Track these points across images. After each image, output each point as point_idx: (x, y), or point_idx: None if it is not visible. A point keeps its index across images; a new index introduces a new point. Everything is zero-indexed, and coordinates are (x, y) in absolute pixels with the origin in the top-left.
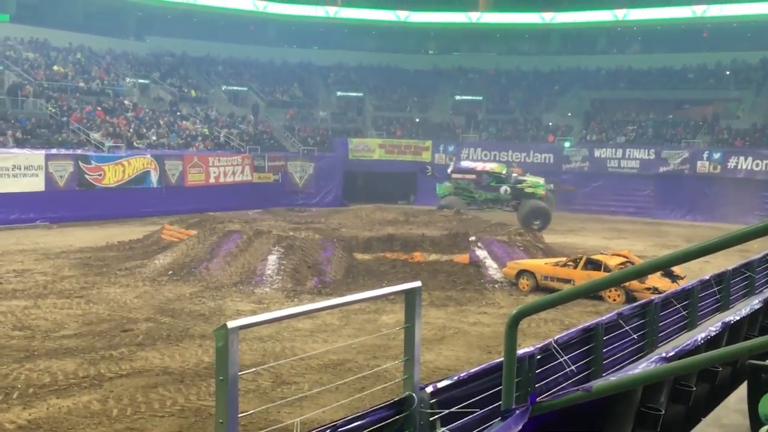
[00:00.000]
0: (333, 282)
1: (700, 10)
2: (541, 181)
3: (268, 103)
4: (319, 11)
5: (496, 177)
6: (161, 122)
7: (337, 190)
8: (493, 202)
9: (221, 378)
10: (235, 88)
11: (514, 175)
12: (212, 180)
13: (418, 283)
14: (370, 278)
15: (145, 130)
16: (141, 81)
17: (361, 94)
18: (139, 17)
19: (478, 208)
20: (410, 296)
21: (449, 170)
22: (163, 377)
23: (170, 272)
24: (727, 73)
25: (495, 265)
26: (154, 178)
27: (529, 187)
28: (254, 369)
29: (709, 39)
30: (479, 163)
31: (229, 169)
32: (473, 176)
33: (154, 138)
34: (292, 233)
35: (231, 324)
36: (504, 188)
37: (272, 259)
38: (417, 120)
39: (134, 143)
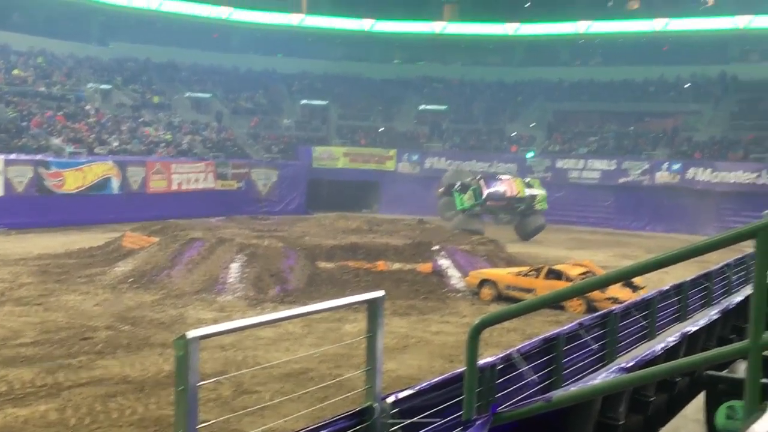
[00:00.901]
0: (296, 290)
1: (660, 24)
2: (545, 192)
3: (232, 110)
4: (284, 19)
5: (521, 200)
6: (123, 128)
7: (301, 199)
8: (506, 217)
9: (181, 388)
10: (199, 94)
11: (529, 192)
12: (175, 187)
13: (380, 293)
14: (333, 287)
15: (106, 136)
16: (103, 86)
17: (325, 103)
18: (103, 22)
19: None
20: (373, 306)
21: (483, 197)
22: (122, 386)
23: (131, 280)
24: (687, 86)
25: (458, 275)
26: (115, 184)
27: (540, 202)
28: (215, 379)
29: (669, 52)
30: (507, 186)
31: (192, 176)
32: (504, 203)
33: (116, 144)
34: (255, 241)
35: (191, 334)
36: (521, 207)
37: (235, 267)
38: (381, 129)
39: (95, 149)
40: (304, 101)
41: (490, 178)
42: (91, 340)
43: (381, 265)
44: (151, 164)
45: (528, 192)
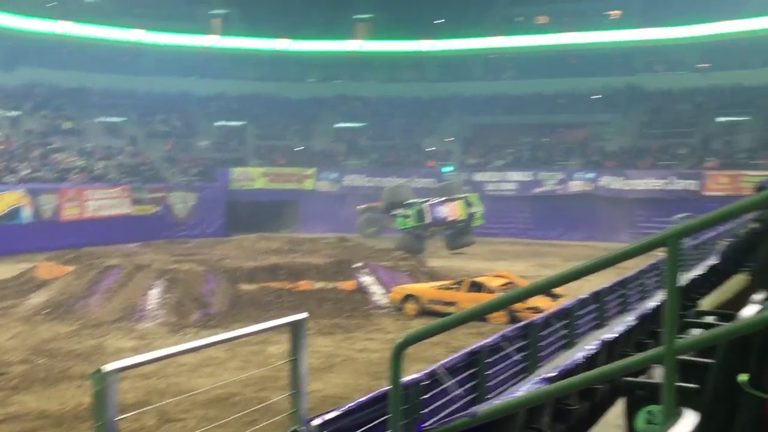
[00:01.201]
0: (218, 314)
1: (568, 38)
2: (482, 208)
3: (147, 133)
4: (198, 41)
5: (461, 221)
6: (33, 155)
7: (221, 221)
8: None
9: (99, 423)
10: (112, 119)
11: (469, 211)
12: (89, 214)
13: (303, 315)
14: (255, 309)
15: (16, 164)
16: (11, 113)
17: (242, 124)
18: (9, 47)
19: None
20: (295, 329)
21: (426, 222)
22: (40, 422)
23: (46, 311)
24: (597, 97)
25: (381, 291)
26: (26, 213)
27: (477, 220)
28: (136, 412)
29: (578, 65)
30: (450, 210)
31: (107, 202)
32: (445, 226)
33: (26, 172)
34: (174, 266)
35: (108, 367)
36: (461, 226)
37: (154, 293)
38: (299, 148)
39: (5, 178)
40: (220, 123)
41: (436, 202)
42: (6, 375)
43: (303, 284)
44: (64, 191)
45: (468, 211)
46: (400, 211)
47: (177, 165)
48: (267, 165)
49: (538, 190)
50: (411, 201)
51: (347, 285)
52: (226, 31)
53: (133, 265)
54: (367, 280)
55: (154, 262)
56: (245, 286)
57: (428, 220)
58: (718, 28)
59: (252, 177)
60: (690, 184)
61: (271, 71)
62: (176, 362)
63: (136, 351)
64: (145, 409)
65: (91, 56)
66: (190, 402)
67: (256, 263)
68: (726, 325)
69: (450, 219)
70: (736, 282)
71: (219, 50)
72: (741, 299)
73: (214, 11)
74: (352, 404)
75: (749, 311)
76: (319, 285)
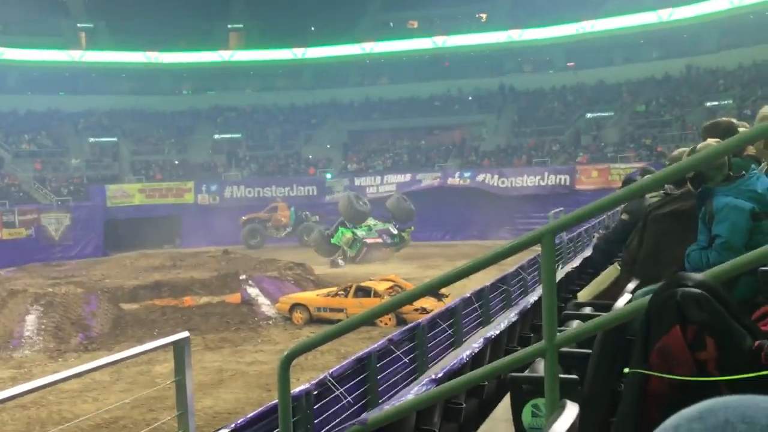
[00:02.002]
0: (100, 336)
1: (440, 41)
2: (412, 227)
3: (14, 154)
4: (63, 56)
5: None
6: None
7: (98, 240)
8: None
9: None
10: None
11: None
12: None
13: (185, 334)
14: (139, 328)
15: None
16: None
17: (115, 139)
18: None
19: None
20: (178, 348)
21: (360, 244)
22: None
23: None
24: (470, 98)
25: (268, 302)
26: None
27: (405, 233)
28: None
29: (451, 68)
30: (387, 235)
31: None
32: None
33: None
34: (51, 289)
35: None
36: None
37: (31, 319)
38: (177, 162)
39: None
40: (92, 139)
41: (383, 229)
42: None
43: (188, 300)
44: None
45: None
46: (348, 234)
47: (48, 185)
48: (144, 180)
49: (414, 187)
50: (357, 226)
51: (233, 298)
52: (93, 45)
53: (6, 291)
54: (253, 291)
55: (29, 287)
56: (127, 306)
57: (361, 243)
58: (581, 28)
59: (129, 194)
60: (563, 179)
61: (143, 84)
62: (58, 389)
63: (14, 381)
64: None
65: None
66: (75, 429)
67: (138, 281)
68: (603, 316)
69: (381, 242)
70: (610, 273)
71: (87, 65)
72: (616, 289)
73: (80, 24)
74: (241, 420)
75: (623, 301)
76: (205, 300)
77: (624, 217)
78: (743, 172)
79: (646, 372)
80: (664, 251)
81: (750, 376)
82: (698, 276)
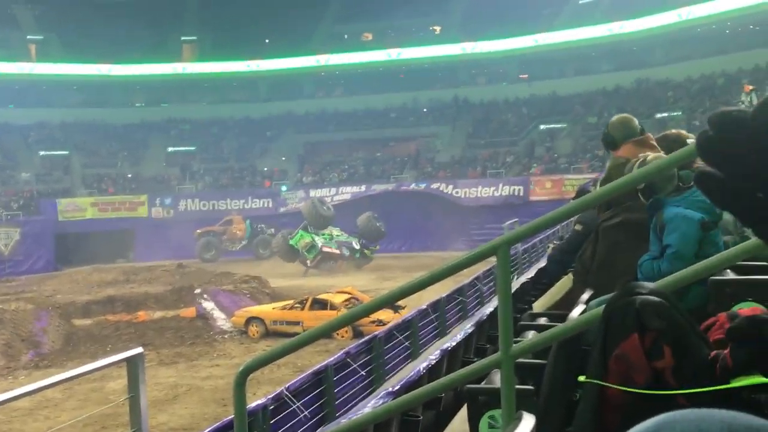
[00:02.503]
0: (51, 353)
1: (394, 53)
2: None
3: None
4: (13, 68)
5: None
6: None
7: (49, 255)
8: None
9: None
10: None
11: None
12: None
13: (138, 350)
14: (92, 344)
15: None
16: None
17: (66, 152)
18: None
19: None
20: (131, 365)
21: (317, 252)
22: None
23: None
24: (425, 110)
25: (223, 316)
26: None
27: (368, 251)
28: None
29: (406, 80)
30: (347, 248)
31: None
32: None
33: None
34: (0, 306)
35: None
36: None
37: None
38: (130, 175)
39: None
40: (43, 152)
41: (345, 242)
42: None
43: (142, 315)
44: None
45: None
46: (307, 239)
47: None
48: (96, 194)
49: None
50: (327, 235)
51: (188, 312)
52: (43, 57)
53: None
54: (208, 305)
55: None
56: (80, 322)
57: (320, 251)
58: (534, 41)
59: (81, 207)
60: (517, 190)
61: (95, 97)
62: (8, 408)
63: None
64: None
65: None
66: None
67: (91, 296)
68: (558, 327)
69: (340, 252)
70: (564, 283)
71: (36, 77)
72: (570, 299)
73: (30, 36)
74: None
75: (577, 311)
76: (159, 314)
77: (577, 227)
78: (692, 183)
79: (603, 383)
80: (616, 261)
81: (706, 390)
82: (651, 285)
